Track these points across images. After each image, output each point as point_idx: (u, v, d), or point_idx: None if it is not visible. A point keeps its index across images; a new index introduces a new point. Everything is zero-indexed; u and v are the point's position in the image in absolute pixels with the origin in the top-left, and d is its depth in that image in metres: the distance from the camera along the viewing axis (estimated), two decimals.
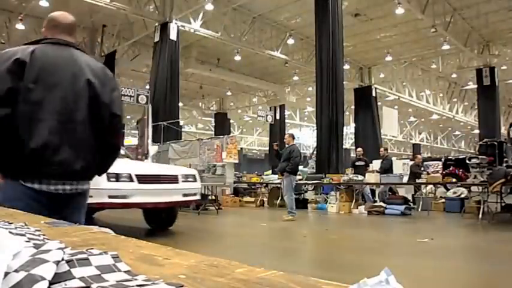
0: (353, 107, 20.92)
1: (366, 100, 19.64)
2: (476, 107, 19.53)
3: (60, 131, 1.60)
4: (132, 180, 4.72)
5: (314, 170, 12.14)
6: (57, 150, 1.58)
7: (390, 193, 10.07)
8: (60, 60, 1.66)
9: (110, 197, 4.53)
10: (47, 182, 1.59)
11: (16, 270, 0.42)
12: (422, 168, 11.25)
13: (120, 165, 5.30)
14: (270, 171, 13.56)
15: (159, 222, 5.99)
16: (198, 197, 5.78)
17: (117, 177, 4.62)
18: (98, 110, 1.70)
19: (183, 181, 5.31)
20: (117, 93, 1.79)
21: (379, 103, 20.46)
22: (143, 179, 4.84)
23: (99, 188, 4.44)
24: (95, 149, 1.72)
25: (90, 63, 1.75)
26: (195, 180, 5.59)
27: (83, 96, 1.66)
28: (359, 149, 11.44)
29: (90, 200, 4.38)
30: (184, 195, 5.29)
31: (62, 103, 1.61)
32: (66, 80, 1.64)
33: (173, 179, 5.21)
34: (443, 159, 13.84)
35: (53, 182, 1.61)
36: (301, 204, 10.09)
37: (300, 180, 10.19)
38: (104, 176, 4.32)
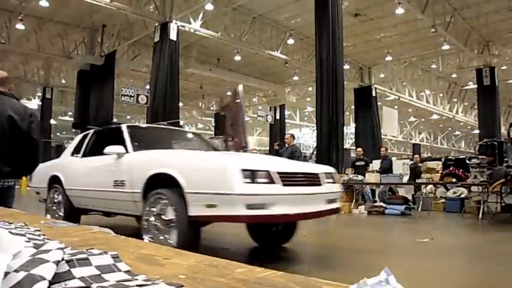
0: (353, 107, 20.92)
1: (366, 100, 19.64)
2: (476, 107, 19.53)
3: None
4: (272, 182, 3.20)
5: None
6: None
7: (390, 193, 10.07)
8: None
9: (249, 207, 3.03)
10: None
11: (16, 270, 0.42)
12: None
13: (247, 159, 3.78)
14: None
15: (270, 237, 4.49)
16: (338, 205, 4.15)
17: (254, 176, 3.14)
18: (19, 136, 2.57)
19: (325, 182, 3.78)
20: (34, 124, 2.65)
21: (379, 103, 20.46)
22: (287, 179, 3.32)
23: (232, 193, 3.03)
24: (18, 160, 2.60)
25: (14, 105, 2.62)
26: (334, 181, 4.01)
27: (6, 126, 2.53)
28: (359, 149, 11.45)
29: (215, 212, 3.13)
30: (328, 201, 3.78)
31: None
32: None
33: (315, 180, 3.67)
34: (443, 159, 13.86)
35: None
36: None
37: None
38: (237, 174, 3.06)
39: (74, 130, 21.21)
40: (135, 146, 4.13)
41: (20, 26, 14.92)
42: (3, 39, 16.37)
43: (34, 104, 24.02)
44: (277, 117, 22.57)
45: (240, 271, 0.54)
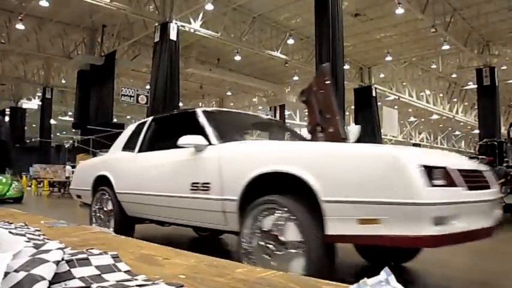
0: (353, 107, 20.93)
1: (366, 100, 19.64)
2: (476, 107, 19.54)
3: None
4: (454, 184, 2.13)
5: None
6: None
7: None
8: None
9: (437, 222, 1.98)
10: None
11: (16, 270, 0.42)
12: None
13: (414, 152, 2.55)
14: None
15: (388, 254, 3.29)
16: (500, 212, 2.88)
17: (434, 176, 2.05)
18: None
19: (492, 184, 2.65)
20: (3, 128, 3.23)
21: (379, 103, 20.48)
22: (469, 179, 2.25)
23: (416, 201, 1.94)
24: None
25: None
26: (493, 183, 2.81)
27: None
28: None
29: (378, 230, 2.05)
30: (495, 208, 2.73)
31: None
32: None
33: (485, 181, 2.57)
34: None
35: None
36: None
37: None
38: (418, 173, 1.98)
39: (74, 130, 21.25)
40: (219, 136, 3.03)
41: (20, 26, 14.93)
42: (3, 39, 16.38)
43: (34, 104, 24.05)
44: (277, 117, 22.58)
45: (240, 271, 0.54)
